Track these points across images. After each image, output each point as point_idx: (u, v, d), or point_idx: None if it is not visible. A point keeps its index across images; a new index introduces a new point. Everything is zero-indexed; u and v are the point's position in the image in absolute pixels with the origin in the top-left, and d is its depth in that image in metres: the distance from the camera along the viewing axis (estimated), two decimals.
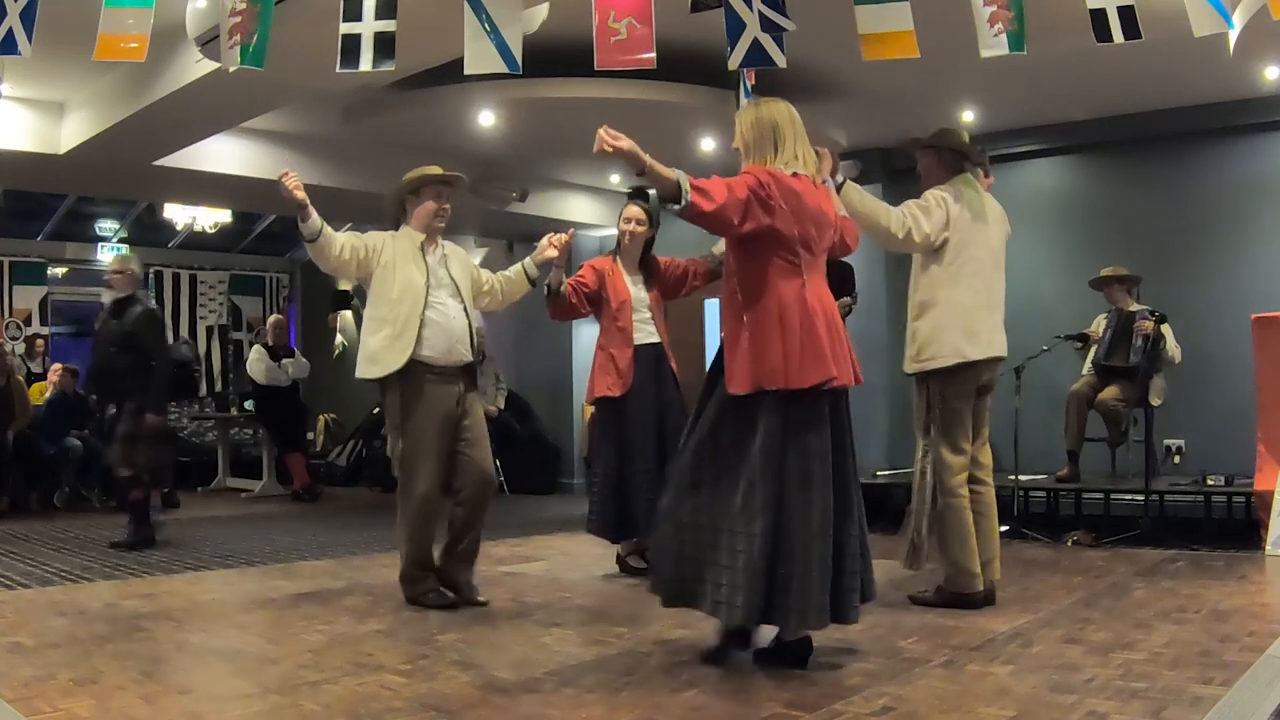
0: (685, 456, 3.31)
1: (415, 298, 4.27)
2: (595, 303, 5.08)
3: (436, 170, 4.47)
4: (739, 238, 3.24)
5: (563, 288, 4.89)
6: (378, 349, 4.28)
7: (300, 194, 4.04)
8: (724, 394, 3.24)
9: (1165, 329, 6.48)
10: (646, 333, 5.06)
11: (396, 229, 4.49)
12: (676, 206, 3.09)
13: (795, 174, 3.27)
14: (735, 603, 3.08)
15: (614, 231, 5.36)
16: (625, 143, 3.08)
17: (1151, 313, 6.46)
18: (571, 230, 4.74)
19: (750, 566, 3.07)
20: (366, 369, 4.34)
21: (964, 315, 4.16)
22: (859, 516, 3.26)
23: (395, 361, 4.22)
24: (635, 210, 5.17)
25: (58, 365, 9.21)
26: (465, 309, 4.41)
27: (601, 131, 3.10)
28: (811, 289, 3.26)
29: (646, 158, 3.06)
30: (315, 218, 4.17)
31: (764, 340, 3.18)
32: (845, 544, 3.19)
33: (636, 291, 5.10)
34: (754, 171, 3.24)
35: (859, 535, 3.26)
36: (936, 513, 4.17)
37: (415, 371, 4.23)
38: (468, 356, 4.39)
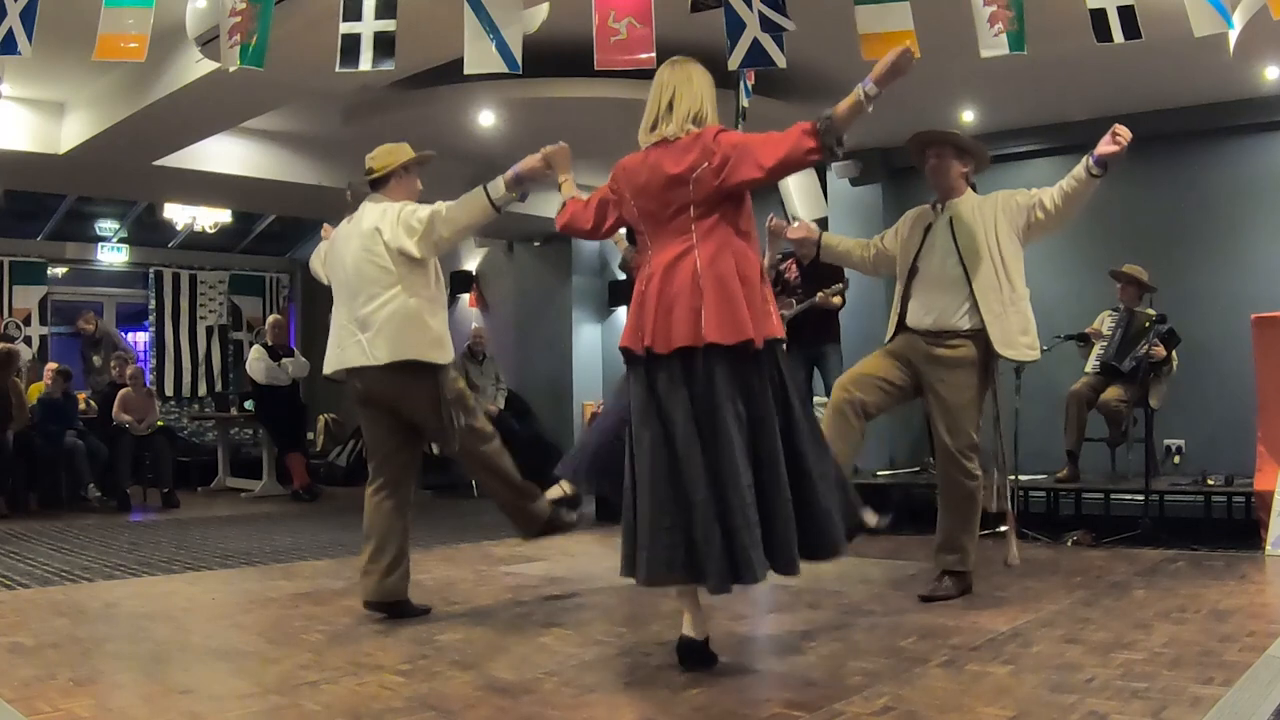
0: None
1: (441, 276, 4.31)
2: None
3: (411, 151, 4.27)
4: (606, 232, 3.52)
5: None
6: (443, 333, 4.15)
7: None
8: None
9: (1173, 354, 6.50)
10: None
11: (354, 210, 4.23)
12: None
13: (657, 143, 3.21)
14: (639, 559, 3.07)
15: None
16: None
17: (1170, 332, 6.42)
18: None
19: (631, 526, 3.12)
20: (436, 352, 4.09)
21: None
22: (747, 479, 3.00)
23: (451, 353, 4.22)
24: None
25: (52, 365, 9.19)
26: None
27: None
28: (658, 256, 3.19)
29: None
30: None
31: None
32: (734, 505, 2.98)
33: None
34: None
35: (753, 498, 3.01)
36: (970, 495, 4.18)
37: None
38: None
